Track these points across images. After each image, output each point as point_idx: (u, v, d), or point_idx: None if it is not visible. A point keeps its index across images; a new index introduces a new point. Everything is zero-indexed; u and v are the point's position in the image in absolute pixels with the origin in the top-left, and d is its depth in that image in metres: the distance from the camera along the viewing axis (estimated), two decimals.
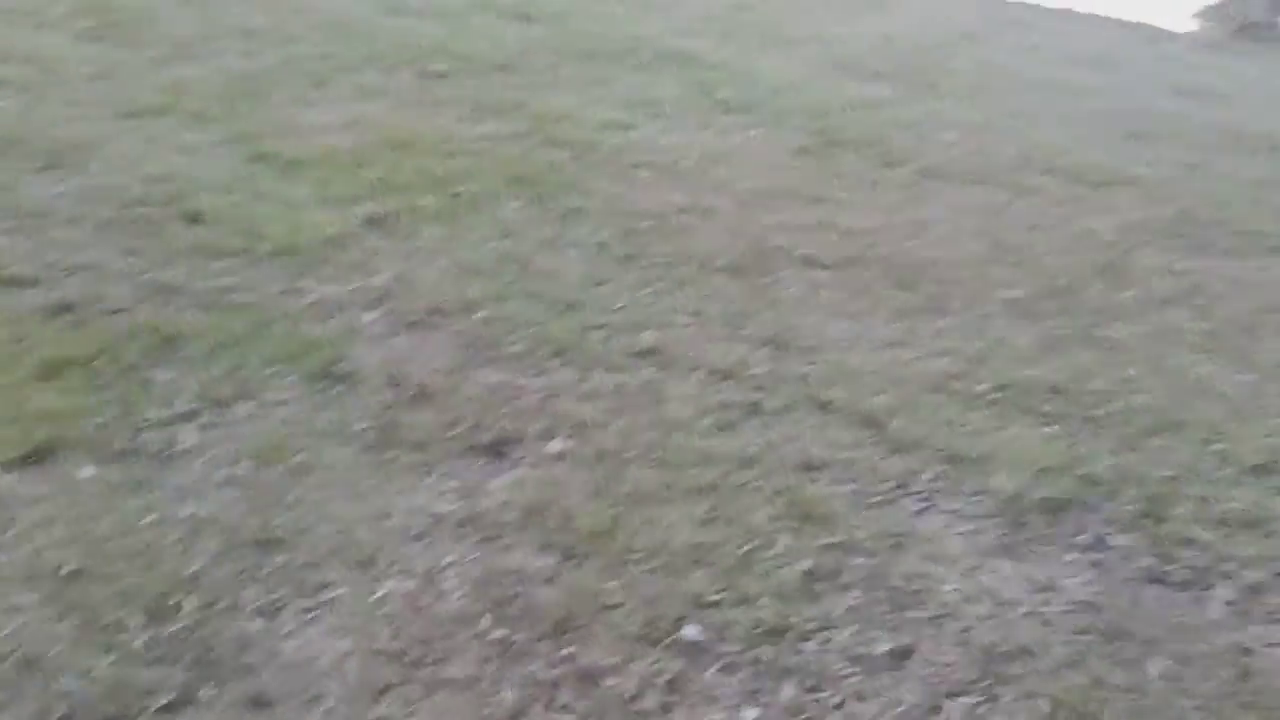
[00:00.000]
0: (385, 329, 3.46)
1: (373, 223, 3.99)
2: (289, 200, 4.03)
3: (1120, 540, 2.95)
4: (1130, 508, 3.06)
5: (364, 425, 2.93)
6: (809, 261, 4.17)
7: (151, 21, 5.47)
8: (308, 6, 6.00)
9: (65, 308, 3.34)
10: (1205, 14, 12.18)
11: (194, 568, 2.34)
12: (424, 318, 3.52)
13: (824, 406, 3.35)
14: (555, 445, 3.04)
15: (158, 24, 5.46)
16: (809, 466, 3.11)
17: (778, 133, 5.26)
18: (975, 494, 3.07)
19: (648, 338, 3.55)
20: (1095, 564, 2.81)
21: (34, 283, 3.41)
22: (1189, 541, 2.96)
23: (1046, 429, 3.34)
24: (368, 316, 3.50)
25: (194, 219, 3.86)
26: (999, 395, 3.47)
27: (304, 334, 3.36)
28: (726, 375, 3.43)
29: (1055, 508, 3.03)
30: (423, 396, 3.12)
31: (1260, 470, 3.26)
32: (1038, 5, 9.37)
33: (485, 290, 3.67)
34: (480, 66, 5.50)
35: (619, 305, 3.72)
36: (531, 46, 5.89)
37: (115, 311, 3.35)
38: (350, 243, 3.85)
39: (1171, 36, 8.68)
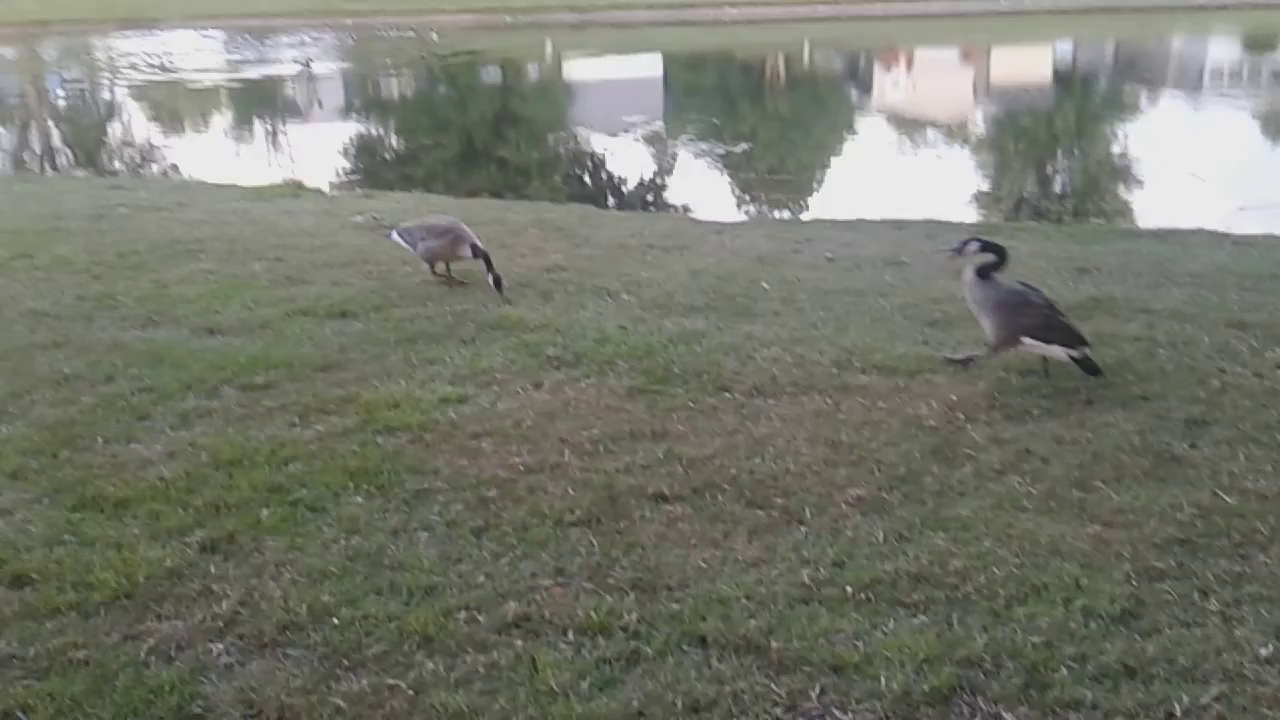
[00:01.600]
0: (237, 656, 3.30)
1: (210, 548, 3.85)
2: (119, 542, 3.87)
3: (1010, 717, 2.96)
4: (1014, 681, 3.09)
5: None
6: (660, 498, 4.22)
7: None
8: (120, 344, 5.95)
9: None
10: (978, 201, 13.41)
11: None
12: (276, 636, 3.38)
13: (702, 641, 3.33)
14: None
15: None
16: (697, 707, 3.06)
17: (609, 379, 5.40)
18: (864, 699, 3.05)
19: (513, 608, 3.49)
20: None
21: None
22: (1076, 704, 3.00)
23: (917, 619, 3.38)
24: (216, 647, 3.33)
25: (20, 582, 3.66)
26: (866, 594, 3.52)
27: (149, 680, 3.17)
28: (599, 630, 3.39)
29: (943, 697, 3.04)
30: None
31: (1125, 617, 3.37)
32: (830, 220, 10.10)
33: (337, 595, 3.55)
34: (304, 370, 5.52)
35: (479, 581, 3.66)
36: (353, 341, 5.96)
37: None
38: (189, 573, 3.70)
39: (951, 227, 9.42)
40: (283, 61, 30.88)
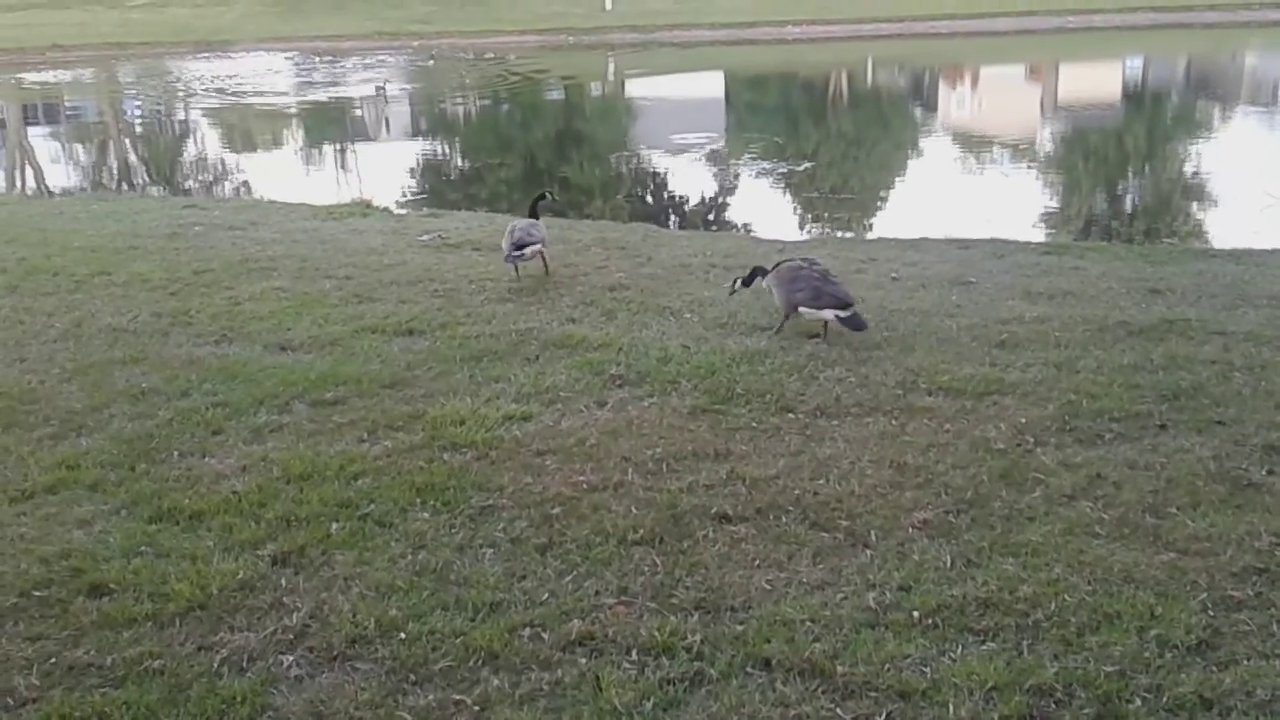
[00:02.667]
0: (307, 669, 3.35)
1: (281, 561, 3.93)
2: (194, 554, 3.96)
3: None
4: (1087, 711, 3.04)
5: None
6: (724, 518, 4.21)
7: (37, 401, 5.50)
8: (195, 359, 6.11)
9: None
10: (1046, 220, 13.22)
11: None
12: (345, 649, 3.43)
13: (766, 664, 3.32)
14: None
15: (45, 402, 5.48)
16: None
17: (672, 398, 5.41)
18: None
19: (577, 626, 3.50)
20: None
21: None
22: None
23: (986, 646, 3.34)
24: (287, 659, 3.39)
25: (98, 591, 3.76)
26: (933, 620, 3.48)
27: (222, 691, 3.23)
28: (663, 650, 3.39)
29: None
30: None
31: (1201, 648, 3.29)
32: (894, 239, 10.04)
33: (405, 609, 3.60)
34: (372, 386, 5.60)
35: (543, 598, 3.68)
36: (419, 359, 6.05)
37: (24, 704, 3.20)
38: (261, 586, 3.78)
39: (1018, 247, 9.30)
40: (353, 83, 31.45)
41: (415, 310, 7.02)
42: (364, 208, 11.93)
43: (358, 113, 26.87)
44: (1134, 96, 27.05)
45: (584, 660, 3.35)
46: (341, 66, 35.51)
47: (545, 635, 3.47)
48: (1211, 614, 3.44)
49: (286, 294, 7.53)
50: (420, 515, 4.25)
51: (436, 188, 17.16)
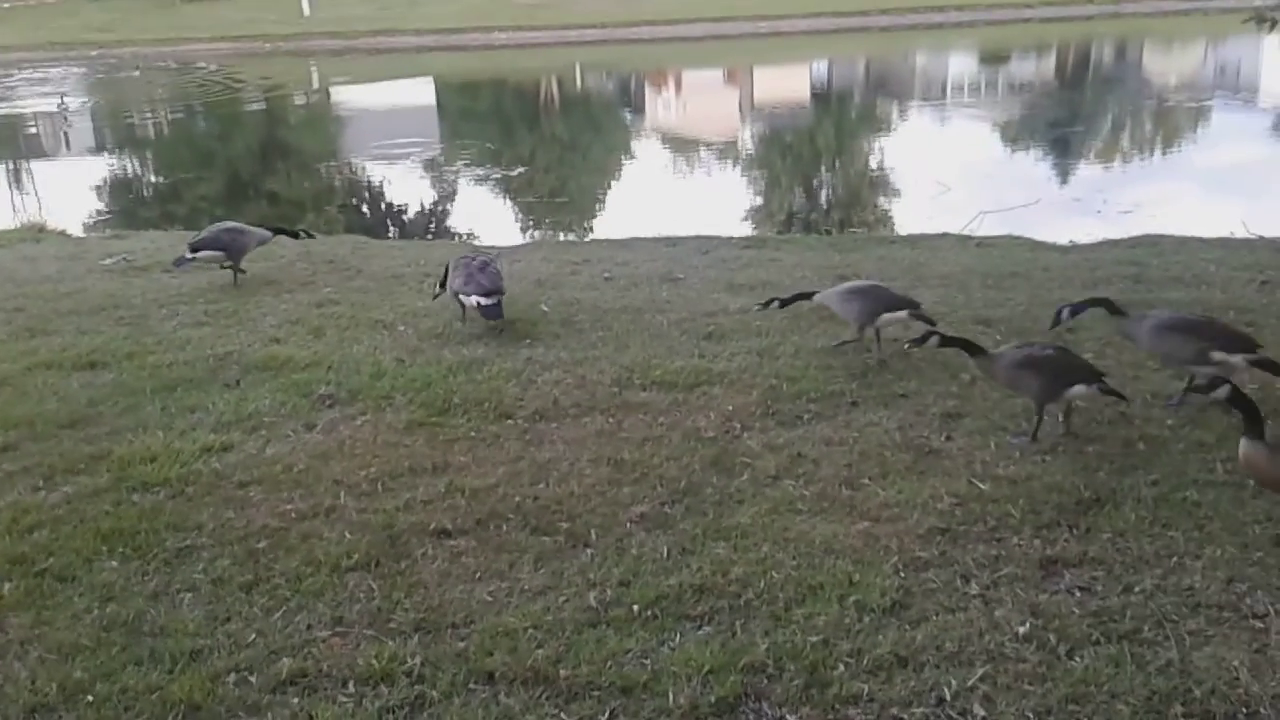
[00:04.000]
0: None
1: None
2: None
3: (794, 719, 3.03)
4: (796, 682, 3.17)
5: None
6: (443, 533, 4.11)
7: None
8: None
9: None
10: (751, 216, 13.88)
11: None
12: None
13: (489, 677, 3.27)
14: None
15: None
16: None
17: (386, 415, 5.25)
18: (653, 717, 3.06)
19: (287, 665, 3.32)
20: None
21: None
22: (855, 698, 3.10)
23: (702, 630, 3.42)
24: None
25: None
26: (652, 611, 3.54)
27: None
28: (381, 678, 3.27)
29: (729, 706, 3.09)
30: None
31: (895, 609, 3.51)
32: (607, 240, 10.23)
33: (91, 669, 3.29)
34: (48, 428, 5.10)
35: (250, 639, 3.46)
36: (104, 393, 5.56)
37: None
38: None
39: (722, 242, 9.68)
40: (25, 98, 28.76)
41: (97, 341, 6.45)
42: (36, 232, 10.89)
43: (32, 130, 24.59)
44: (821, 96, 28.85)
45: (296, 700, 3.17)
46: (9, 80, 32.41)
47: (253, 678, 3.26)
48: (903, 576, 3.68)
49: None
50: (108, 565, 3.89)
51: (125, 207, 15.98)
